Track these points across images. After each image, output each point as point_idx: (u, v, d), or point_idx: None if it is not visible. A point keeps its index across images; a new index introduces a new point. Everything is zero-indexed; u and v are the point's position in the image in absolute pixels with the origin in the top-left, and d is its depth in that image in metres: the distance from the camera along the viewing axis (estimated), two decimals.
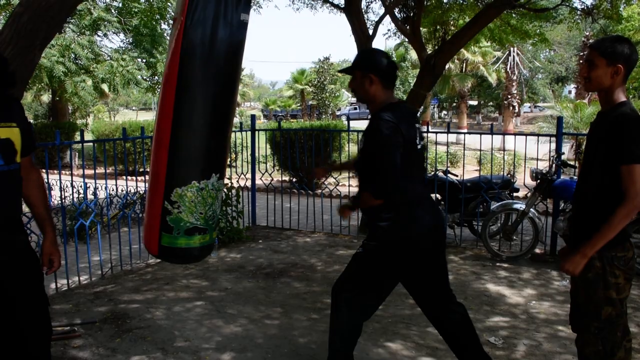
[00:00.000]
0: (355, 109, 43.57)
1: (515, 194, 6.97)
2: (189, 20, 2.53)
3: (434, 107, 43.19)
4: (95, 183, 5.56)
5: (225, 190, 6.11)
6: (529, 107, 46.00)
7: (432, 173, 6.83)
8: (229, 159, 3.08)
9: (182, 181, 2.71)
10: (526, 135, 6.78)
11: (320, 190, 8.62)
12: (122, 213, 6.44)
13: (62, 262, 3.98)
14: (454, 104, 39.74)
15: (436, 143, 7.04)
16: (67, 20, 12.70)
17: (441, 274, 2.82)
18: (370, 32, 7.72)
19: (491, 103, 44.08)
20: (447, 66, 9.70)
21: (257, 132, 7.52)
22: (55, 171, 10.31)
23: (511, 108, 27.77)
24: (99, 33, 16.37)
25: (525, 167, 6.62)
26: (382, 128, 2.52)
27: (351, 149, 10.21)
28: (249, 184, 7.46)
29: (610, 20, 8.93)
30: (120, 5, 15.49)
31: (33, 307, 2.28)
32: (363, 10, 8.12)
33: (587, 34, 25.35)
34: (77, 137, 17.87)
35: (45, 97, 25.83)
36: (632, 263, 2.40)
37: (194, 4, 2.52)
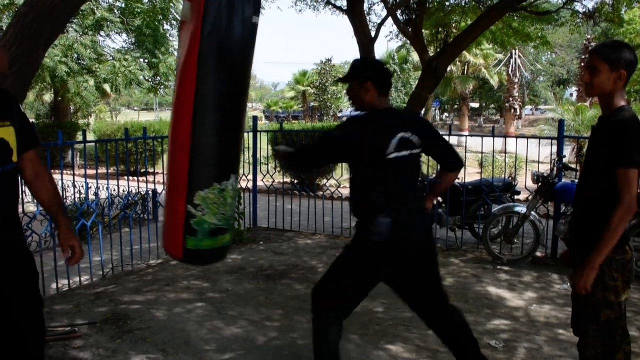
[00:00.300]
0: (357, 111, 43.54)
1: (516, 197, 6.98)
2: (205, 24, 2.54)
3: (435, 109, 43.16)
4: (97, 183, 5.57)
5: None
6: (531, 109, 46.02)
7: (433, 175, 6.84)
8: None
9: (204, 184, 2.73)
10: (527, 137, 6.78)
11: (321, 192, 8.63)
12: (124, 213, 6.45)
13: (61, 262, 3.99)
14: (456, 106, 39.78)
15: None
16: (70, 20, 12.71)
17: (430, 278, 2.83)
18: (373, 34, 7.75)
19: (492, 105, 44.16)
20: (448, 68, 9.72)
21: (258, 133, 7.53)
22: (57, 171, 10.32)
23: (512, 110, 27.81)
24: (102, 33, 16.38)
25: (526, 169, 6.63)
26: (336, 128, 2.78)
27: None
28: (250, 185, 7.46)
29: (611, 23, 8.95)
30: (123, 5, 15.50)
31: (30, 306, 2.29)
32: (365, 12, 8.15)
33: (589, 36, 25.40)
34: (79, 137, 17.90)
35: (47, 97, 25.84)
36: (630, 265, 2.40)
37: (209, 7, 2.54)
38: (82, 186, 7.36)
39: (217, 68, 2.63)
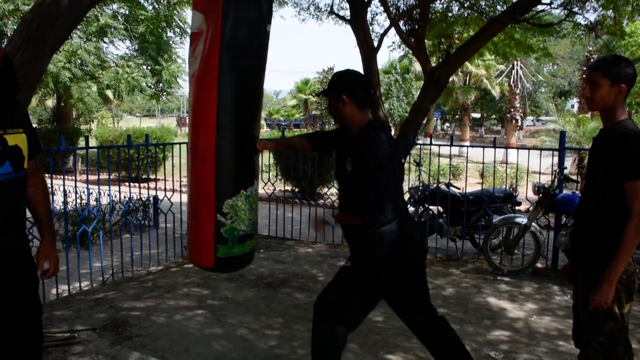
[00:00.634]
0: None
1: (517, 208, 6.98)
2: (224, 35, 2.58)
3: (437, 119, 43.26)
4: (99, 189, 5.58)
5: None
6: (532, 120, 46.11)
7: (435, 185, 6.85)
8: None
9: (232, 192, 2.78)
10: (529, 149, 6.79)
11: (322, 201, 8.63)
12: (125, 220, 6.46)
13: (63, 267, 3.99)
14: (457, 117, 39.82)
15: (439, 155, 7.07)
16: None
17: (423, 290, 2.83)
18: (375, 44, 7.78)
19: (494, 116, 44.21)
20: (450, 79, 9.74)
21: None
22: (59, 176, 10.31)
23: (514, 121, 27.82)
24: (106, 40, 16.44)
25: (527, 180, 6.62)
26: (377, 150, 2.56)
27: None
28: None
29: (613, 36, 8.99)
30: (127, 12, 15.58)
31: (30, 309, 2.31)
32: (368, 22, 8.19)
33: (591, 48, 25.45)
34: (81, 143, 17.93)
35: (50, 102, 25.94)
36: (633, 277, 2.41)
37: (227, 18, 2.57)
38: (84, 192, 7.38)
39: (237, 77, 2.68)
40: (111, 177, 5.52)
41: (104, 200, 6.75)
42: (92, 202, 6.59)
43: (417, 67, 27.27)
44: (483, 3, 8.75)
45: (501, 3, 8.62)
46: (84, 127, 28.38)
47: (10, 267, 2.22)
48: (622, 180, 2.27)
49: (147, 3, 14.19)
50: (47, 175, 3.53)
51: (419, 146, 7.18)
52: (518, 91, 28.13)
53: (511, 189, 7.56)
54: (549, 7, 7.74)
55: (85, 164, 10.36)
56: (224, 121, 2.69)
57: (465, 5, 8.72)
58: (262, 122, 45.22)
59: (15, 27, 12.26)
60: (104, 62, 16.06)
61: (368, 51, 7.53)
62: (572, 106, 41.75)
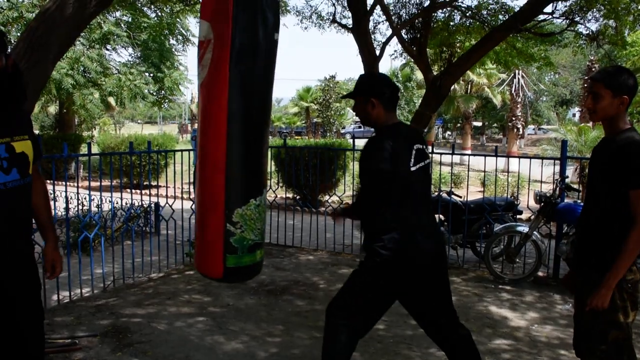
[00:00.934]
0: (360, 127, 43.72)
1: (518, 217, 6.97)
2: (234, 43, 2.60)
3: (438, 128, 43.29)
4: (101, 195, 5.59)
5: None
6: (533, 129, 46.10)
7: (436, 194, 6.85)
8: None
9: (242, 201, 2.78)
10: (530, 157, 6.80)
11: (323, 208, 8.64)
12: (126, 226, 6.46)
13: (65, 274, 4.00)
14: (459, 125, 39.85)
15: (440, 164, 7.08)
16: None
17: (443, 296, 2.82)
18: (378, 52, 7.80)
19: (495, 124, 44.23)
20: (452, 87, 9.75)
21: None
22: (61, 182, 10.33)
23: (515, 130, 27.82)
24: (108, 47, 16.52)
25: (529, 189, 6.62)
26: (374, 156, 2.62)
27: (355, 167, 10.23)
28: None
29: (614, 46, 9.00)
30: (130, 20, 15.65)
31: (33, 313, 2.33)
32: (370, 31, 8.21)
33: (592, 58, 25.50)
34: (83, 149, 17.95)
35: (52, 109, 26.00)
36: (638, 286, 2.42)
37: (236, 26, 2.59)
38: (86, 198, 7.39)
39: (247, 85, 2.69)
40: (113, 183, 5.54)
41: (106, 207, 6.76)
42: (94, 209, 6.60)
43: (418, 75, 27.34)
44: (485, 12, 8.78)
45: (503, 12, 8.64)
46: (86, 134, 28.40)
47: (17, 272, 2.24)
48: (625, 188, 2.28)
49: (150, 10, 14.21)
50: (49, 181, 3.54)
51: None
52: (519, 100, 28.14)
53: (512, 197, 7.57)
54: (550, 16, 7.76)
55: (87, 171, 10.38)
56: (234, 129, 2.69)
57: (467, 14, 8.75)
58: None
59: (18, 34, 12.33)
60: (107, 69, 16.12)
61: (370, 59, 7.55)
62: (574, 115, 41.79)
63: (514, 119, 27.70)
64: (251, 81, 2.71)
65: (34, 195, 2.40)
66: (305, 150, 9.83)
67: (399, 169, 2.61)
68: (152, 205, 7.67)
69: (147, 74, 16.89)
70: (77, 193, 5.57)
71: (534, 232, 5.75)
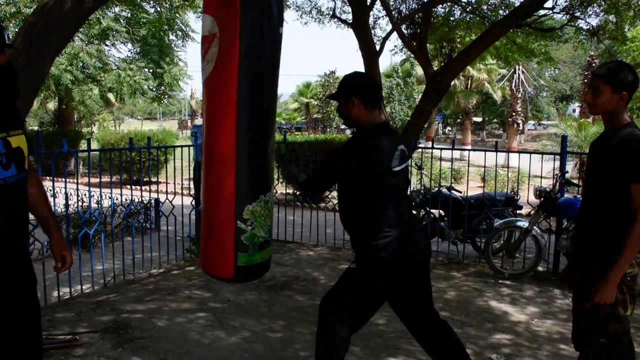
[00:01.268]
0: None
1: (518, 212, 6.98)
2: (242, 38, 2.58)
3: (438, 123, 43.29)
4: (101, 191, 5.59)
5: None
6: (533, 124, 46.13)
7: (436, 189, 6.85)
8: None
9: (252, 197, 2.74)
10: (530, 153, 6.80)
11: (323, 204, 8.65)
12: (126, 222, 6.46)
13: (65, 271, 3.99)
14: (459, 120, 39.86)
15: (440, 159, 7.09)
16: None
17: (428, 292, 2.85)
18: (378, 47, 7.79)
19: (495, 120, 44.25)
20: (452, 82, 9.75)
21: None
22: (61, 179, 10.32)
23: (515, 125, 27.86)
24: (107, 42, 16.51)
25: (529, 184, 6.62)
26: (368, 154, 2.60)
27: None
28: None
29: (615, 41, 9.00)
30: (129, 15, 15.63)
31: (30, 309, 2.33)
32: (371, 26, 8.20)
33: (592, 53, 25.49)
34: (82, 145, 17.95)
35: (52, 105, 25.98)
36: (637, 280, 2.42)
37: (244, 21, 2.57)
38: (85, 194, 7.39)
39: (255, 79, 2.67)
40: (113, 179, 5.53)
41: (106, 203, 6.76)
42: (94, 205, 6.60)
43: (418, 70, 27.31)
44: (485, 7, 8.77)
45: (503, 7, 8.63)
46: (85, 130, 28.43)
47: (14, 268, 2.23)
48: (625, 183, 2.29)
49: (149, 6, 14.20)
50: (48, 177, 3.54)
51: (420, 150, 7.18)
52: (520, 95, 28.18)
53: (512, 192, 7.56)
54: (551, 12, 7.75)
55: (87, 167, 10.37)
56: (243, 125, 2.66)
57: (468, 9, 8.74)
58: None
59: (16, 29, 12.30)
60: (106, 65, 16.11)
61: (370, 55, 7.55)
62: (574, 110, 41.84)
63: (514, 114, 27.73)
64: (259, 75, 2.68)
65: (30, 187, 2.38)
66: (305, 146, 9.82)
67: (390, 168, 2.62)
68: (152, 201, 7.68)
69: (146, 69, 16.88)
70: (77, 189, 5.57)
71: (534, 227, 5.76)
